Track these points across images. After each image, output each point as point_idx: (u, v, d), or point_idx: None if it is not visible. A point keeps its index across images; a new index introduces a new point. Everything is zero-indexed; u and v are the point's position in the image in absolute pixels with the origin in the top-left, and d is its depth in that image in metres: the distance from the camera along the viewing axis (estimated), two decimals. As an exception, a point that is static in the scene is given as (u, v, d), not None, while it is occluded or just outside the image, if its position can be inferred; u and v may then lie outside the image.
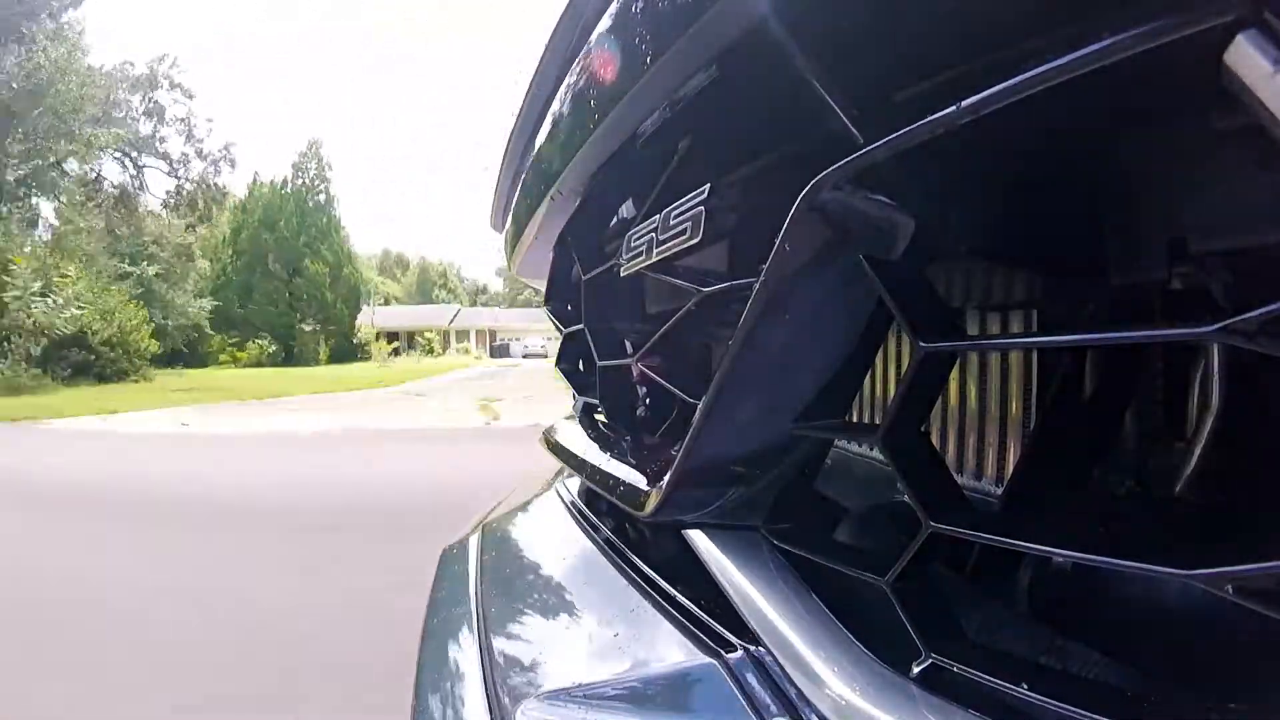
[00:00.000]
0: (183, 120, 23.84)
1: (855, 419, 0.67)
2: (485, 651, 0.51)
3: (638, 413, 0.68)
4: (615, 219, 0.67)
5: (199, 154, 24.52)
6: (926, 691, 0.29)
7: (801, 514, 0.42)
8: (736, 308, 0.41)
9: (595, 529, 0.64)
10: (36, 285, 13.82)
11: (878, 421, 0.33)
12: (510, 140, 0.74)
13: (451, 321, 46.38)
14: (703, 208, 0.43)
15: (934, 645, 0.29)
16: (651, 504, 0.45)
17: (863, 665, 0.31)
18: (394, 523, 3.30)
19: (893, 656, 0.31)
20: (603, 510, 0.68)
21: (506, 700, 0.43)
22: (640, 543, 0.57)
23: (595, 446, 0.65)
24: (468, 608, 0.60)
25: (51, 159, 18.43)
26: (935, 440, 0.55)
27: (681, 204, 0.45)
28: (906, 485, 0.30)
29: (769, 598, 0.37)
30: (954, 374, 0.53)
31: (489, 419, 8.43)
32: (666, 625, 0.44)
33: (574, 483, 0.83)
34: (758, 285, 0.34)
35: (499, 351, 45.57)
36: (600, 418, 0.75)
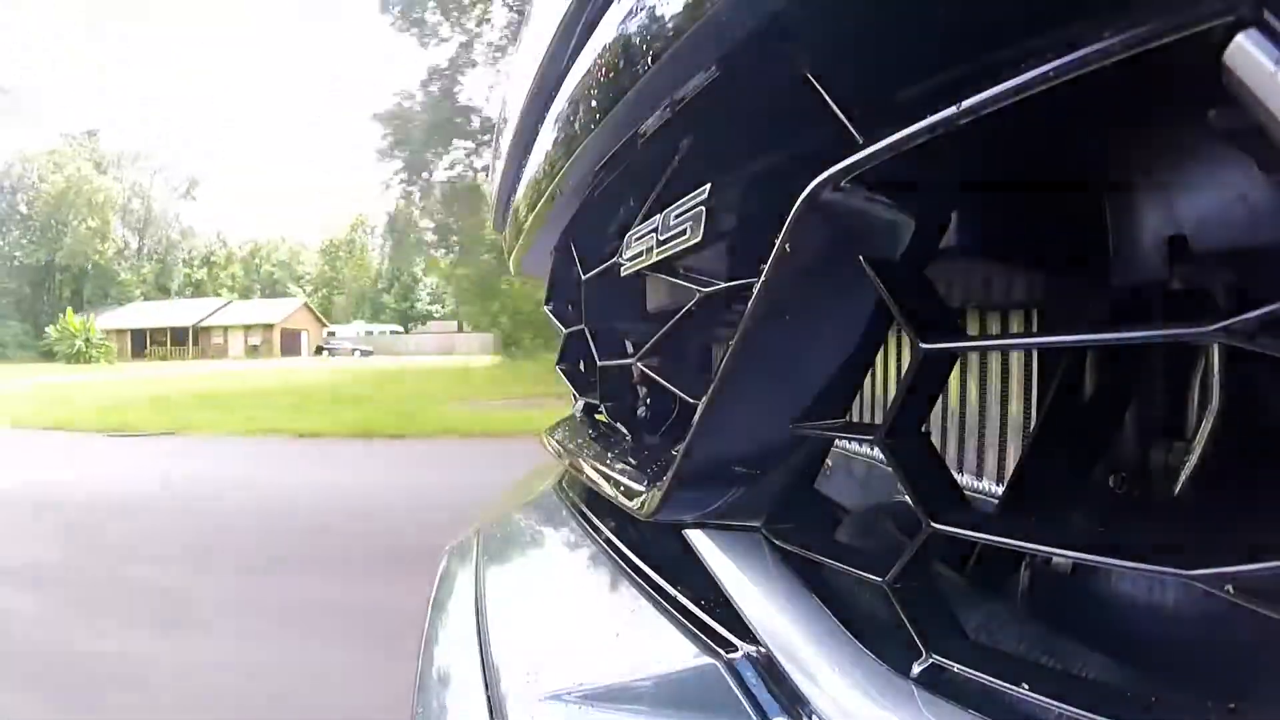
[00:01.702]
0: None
1: (855, 419, 0.67)
2: (486, 651, 0.51)
3: (638, 413, 0.68)
4: (615, 219, 0.67)
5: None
6: (926, 691, 0.29)
7: (801, 514, 0.42)
8: (737, 308, 0.41)
9: (596, 529, 0.64)
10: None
11: (878, 421, 0.33)
12: (511, 140, 0.74)
13: (207, 318, 42.76)
14: (703, 208, 0.43)
15: (934, 645, 0.29)
16: (651, 504, 0.45)
17: (863, 665, 0.31)
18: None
19: (893, 656, 0.31)
20: (603, 510, 0.68)
21: (507, 700, 0.43)
22: (640, 543, 0.57)
23: (595, 446, 0.65)
24: (469, 607, 0.60)
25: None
26: (935, 440, 0.55)
27: (681, 204, 0.45)
28: (906, 485, 0.30)
29: (769, 598, 0.37)
30: (954, 374, 0.53)
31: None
32: (666, 625, 0.44)
33: (575, 483, 0.83)
34: (758, 285, 0.34)
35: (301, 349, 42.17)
36: (601, 418, 0.75)
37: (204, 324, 43.74)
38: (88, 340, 33.66)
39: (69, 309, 37.01)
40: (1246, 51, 0.17)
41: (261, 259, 59.16)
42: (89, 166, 50.83)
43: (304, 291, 56.42)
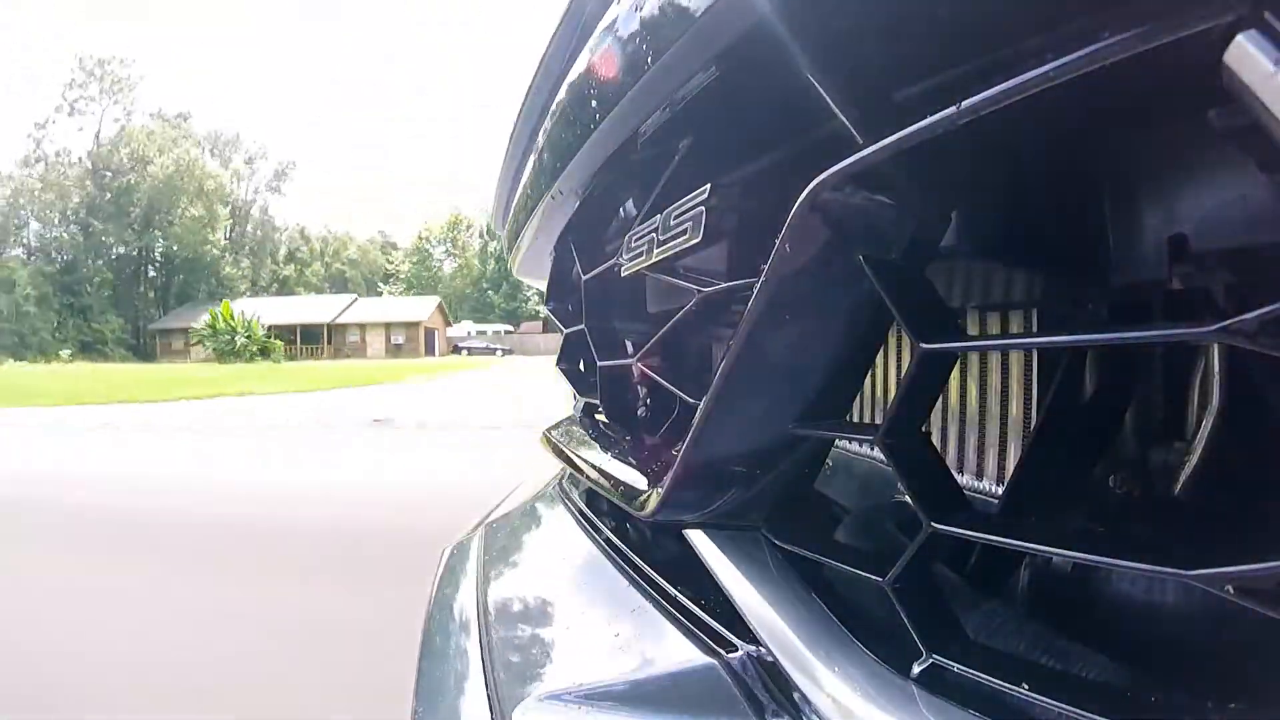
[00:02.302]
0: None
1: (855, 419, 0.67)
2: (486, 651, 0.51)
3: (638, 413, 0.68)
4: (616, 219, 0.67)
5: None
6: (926, 691, 0.29)
7: (801, 514, 0.42)
8: (737, 308, 0.41)
9: (596, 529, 0.64)
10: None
11: (878, 421, 0.33)
12: (511, 139, 0.74)
13: (341, 314, 39.86)
14: (703, 208, 0.43)
15: (934, 645, 0.29)
16: (652, 504, 0.45)
17: (863, 665, 0.31)
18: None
19: (893, 656, 0.31)
20: (603, 510, 0.68)
21: (507, 700, 0.43)
22: (641, 543, 0.57)
23: (596, 447, 0.65)
24: (469, 607, 0.60)
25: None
26: (935, 440, 0.55)
27: (682, 204, 0.45)
28: (906, 485, 0.30)
29: (769, 598, 0.37)
30: (954, 374, 0.53)
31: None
32: (667, 625, 0.44)
33: (575, 483, 0.83)
34: (758, 285, 0.34)
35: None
36: (601, 418, 0.75)
37: (337, 321, 40.14)
38: (248, 335, 30.81)
39: (225, 302, 33.95)
40: (1246, 51, 0.17)
41: (330, 256, 55.48)
42: (195, 149, 46.51)
43: (391, 290, 52.90)
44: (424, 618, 0.64)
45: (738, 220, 0.43)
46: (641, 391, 0.67)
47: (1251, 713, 0.23)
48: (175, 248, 44.93)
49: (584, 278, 0.68)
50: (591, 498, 0.74)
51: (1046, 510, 0.35)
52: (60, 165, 45.11)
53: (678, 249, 0.45)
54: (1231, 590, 0.20)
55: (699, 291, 0.45)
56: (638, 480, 0.50)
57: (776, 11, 0.30)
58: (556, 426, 0.85)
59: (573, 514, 0.73)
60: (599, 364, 0.66)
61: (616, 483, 0.52)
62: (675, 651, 0.40)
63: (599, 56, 0.47)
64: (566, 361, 0.81)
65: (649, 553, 0.54)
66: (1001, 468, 0.49)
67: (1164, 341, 0.21)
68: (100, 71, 47.94)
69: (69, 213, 44.13)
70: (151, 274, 46.17)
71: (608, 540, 0.60)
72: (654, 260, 0.48)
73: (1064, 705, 0.25)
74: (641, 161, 0.53)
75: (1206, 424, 0.33)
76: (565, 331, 0.77)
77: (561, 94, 0.57)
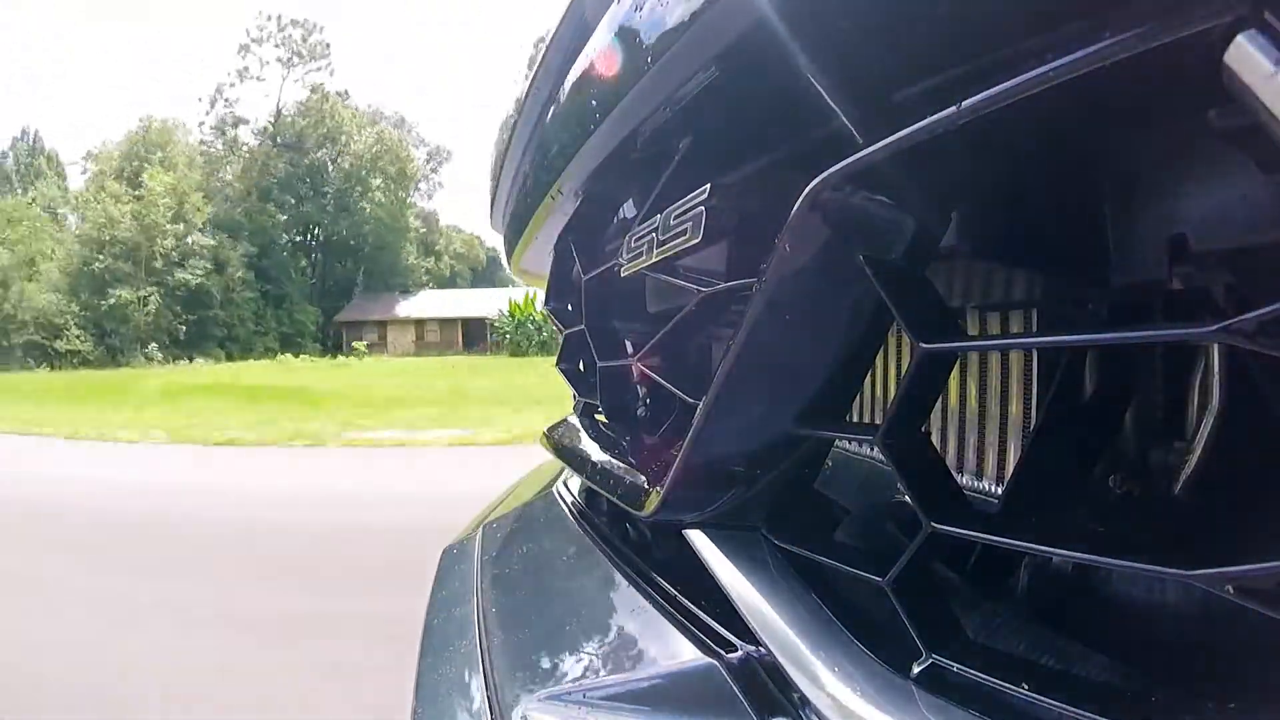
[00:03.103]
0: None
1: (855, 419, 0.67)
2: (486, 651, 0.51)
3: (638, 413, 0.68)
4: (616, 219, 0.67)
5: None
6: (926, 691, 0.29)
7: (801, 514, 0.42)
8: (737, 308, 0.41)
9: (596, 529, 0.64)
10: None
11: (878, 421, 0.33)
12: (511, 139, 0.74)
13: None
14: (703, 208, 0.43)
15: (934, 645, 0.29)
16: (651, 504, 0.45)
17: (863, 665, 0.31)
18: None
19: (893, 656, 0.31)
20: (603, 510, 0.68)
21: (507, 700, 0.43)
22: (640, 543, 0.57)
23: (595, 446, 0.65)
24: (468, 608, 0.60)
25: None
26: (935, 440, 0.55)
27: (682, 204, 0.45)
28: (906, 485, 0.30)
29: (769, 598, 0.37)
30: (954, 374, 0.53)
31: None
32: (666, 625, 0.44)
33: (575, 483, 0.83)
34: (758, 285, 0.34)
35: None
36: (600, 418, 0.75)
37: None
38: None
39: (529, 293, 29.02)
40: (1247, 51, 0.17)
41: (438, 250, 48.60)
42: (393, 129, 40.53)
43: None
44: (423, 618, 0.64)
45: (738, 220, 0.43)
46: (641, 391, 0.67)
47: (1251, 713, 0.23)
48: (365, 231, 39.07)
49: (584, 278, 0.68)
50: (591, 497, 0.74)
51: (1046, 510, 0.35)
52: (235, 135, 38.56)
53: (678, 249, 0.45)
54: (1231, 590, 0.20)
55: (699, 291, 0.45)
56: (638, 480, 0.50)
57: (776, 11, 0.30)
58: (556, 426, 0.85)
59: (572, 514, 0.73)
60: (599, 364, 0.66)
61: (616, 483, 0.52)
62: (675, 652, 0.40)
63: (599, 56, 0.47)
64: (566, 361, 0.80)
65: (649, 553, 0.54)
66: (1001, 468, 0.49)
67: (1164, 341, 0.21)
68: (283, 37, 40.43)
69: (252, 190, 37.44)
70: (319, 259, 39.86)
71: (607, 540, 0.60)
72: (654, 260, 0.48)
73: (1064, 705, 0.25)
74: (641, 161, 0.53)
75: (1206, 424, 0.33)
76: (565, 332, 0.77)
77: (561, 94, 0.57)
